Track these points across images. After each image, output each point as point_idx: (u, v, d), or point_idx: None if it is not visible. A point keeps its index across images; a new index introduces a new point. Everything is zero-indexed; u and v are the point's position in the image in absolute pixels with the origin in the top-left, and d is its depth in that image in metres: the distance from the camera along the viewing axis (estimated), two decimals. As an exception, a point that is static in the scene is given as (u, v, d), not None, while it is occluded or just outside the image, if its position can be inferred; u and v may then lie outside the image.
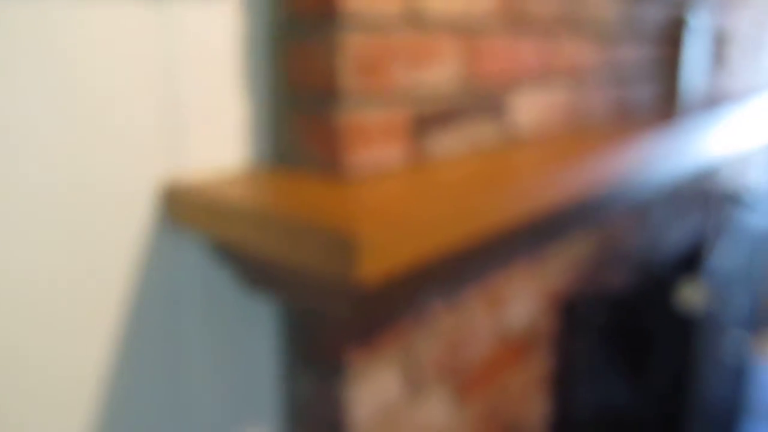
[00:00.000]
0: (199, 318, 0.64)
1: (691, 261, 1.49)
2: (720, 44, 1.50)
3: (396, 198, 0.54)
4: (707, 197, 1.64)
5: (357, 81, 0.60)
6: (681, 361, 1.18)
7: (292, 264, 0.49)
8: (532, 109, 0.85)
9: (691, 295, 1.04)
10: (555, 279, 0.97)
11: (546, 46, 0.86)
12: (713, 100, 1.43)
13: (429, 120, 0.69)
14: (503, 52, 0.78)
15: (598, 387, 1.15)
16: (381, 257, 0.46)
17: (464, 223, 0.57)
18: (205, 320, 0.64)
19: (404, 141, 0.66)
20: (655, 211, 1.31)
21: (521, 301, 0.90)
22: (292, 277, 0.56)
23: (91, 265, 0.55)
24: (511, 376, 0.92)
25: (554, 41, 0.88)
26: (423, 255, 0.52)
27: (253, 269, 0.60)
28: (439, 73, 0.69)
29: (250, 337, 0.69)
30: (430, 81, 0.68)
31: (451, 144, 0.73)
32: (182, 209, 0.58)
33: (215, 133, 0.62)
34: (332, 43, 0.59)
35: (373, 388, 0.69)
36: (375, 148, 0.63)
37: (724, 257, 1.27)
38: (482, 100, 0.76)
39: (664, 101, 1.27)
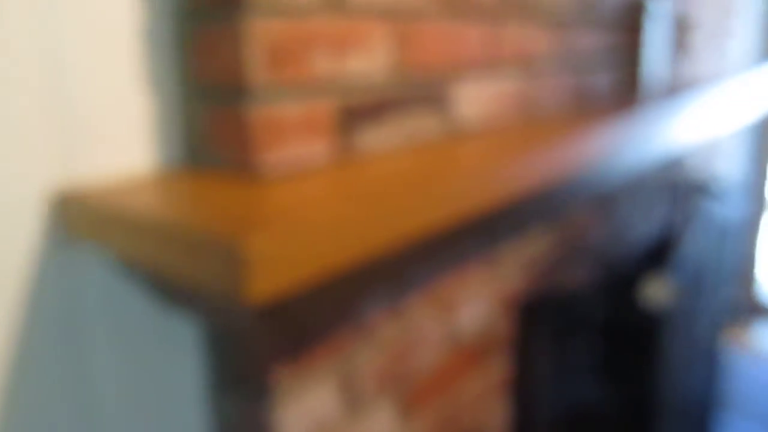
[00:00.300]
0: (106, 340, 0.57)
1: (658, 254, 1.45)
2: (682, 30, 1.46)
3: (310, 200, 0.49)
4: (674, 188, 1.60)
5: (269, 71, 0.54)
6: (650, 358, 1.14)
7: (187, 280, 0.43)
8: (477, 99, 0.80)
9: (657, 292, 0.99)
10: (511, 279, 0.92)
11: (492, 32, 0.81)
12: (675, 88, 1.39)
13: (358, 113, 0.63)
14: (443, 39, 0.72)
15: (564, 388, 1.11)
16: (280, 270, 0.41)
17: (390, 225, 0.51)
18: (113, 342, 0.58)
19: (329, 136, 0.61)
20: (619, 204, 1.26)
21: (474, 304, 0.85)
22: (195, 294, 0.51)
23: (-34, 286, 0.49)
24: (465, 383, 0.87)
25: (501, 27, 0.82)
26: (340, 263, 0.47)
27: (157, 286, 0.54)
28: (368, 61, 0.64)
29: (169, 359, 0.63)
30: (358, 70, 0.63)
31: (384, 139, 0.67)
32: (78, 220, 0.51)
33: (116, 133, 0.56)
34: (239, 30, 0.53)
35: (306, 407, 0.63)
36: (294, 144, 0.57)
37: (692, 249, 1.24)
38: (420, 91, 0.71)
39: (624, 89, 1.22)
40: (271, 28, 0.54)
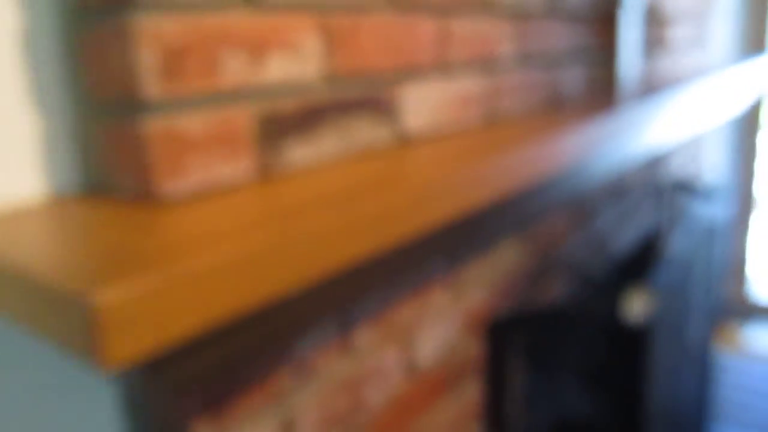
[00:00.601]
0: (8, 397, 0.49)
1: (642, 260, 1.38)
2: (660, 23, 1.39)
3: (211, 232, 0.41)
4: (658, 190, 1.53)
5: (167, 79, 0.46)
6: (637, 368, 1.07)
7: (48, 337, 0.35)
8: (430, 102, 0.72)
9: (638, 305, 0.92)
10: (478, 296, 0.84)
11: (446, 27, 0.73)
12: (653, 85, 1.33)
13: (285, 123, 0.56)
14: (387, 35, 0.65)
15: (545, 405, 1.03)
16: (150, 324, 0.33)
17: (313, 254, 0.43)
18: (17, 399, 0.50)
19: (248, 151, 0.53)
20: (597, 210, 1.19)
21: (436, 327, 0.77)
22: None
23: None
24: (432, 415, 0.79)
25: (457, 21, 0.75)
26: (243, 304, 0.39)
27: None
28: (296, 63, 0.56)
29: (83, 414, 0.55)
30: (282, 74, 0.55)
31: (320, 151, 0.60)
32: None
33: (-6, 155, 0.48)
34: (128, 31, 0.45)
35: (237, 460, 0.55)
36: (203, 163, 0.50)
37: (678, 253, 1.16)
38: (361, 95, 0.63)
39: (600, 86, 1.15)
40: (167, 27, 0.46)
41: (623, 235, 1.34)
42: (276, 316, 0.50)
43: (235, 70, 0.51)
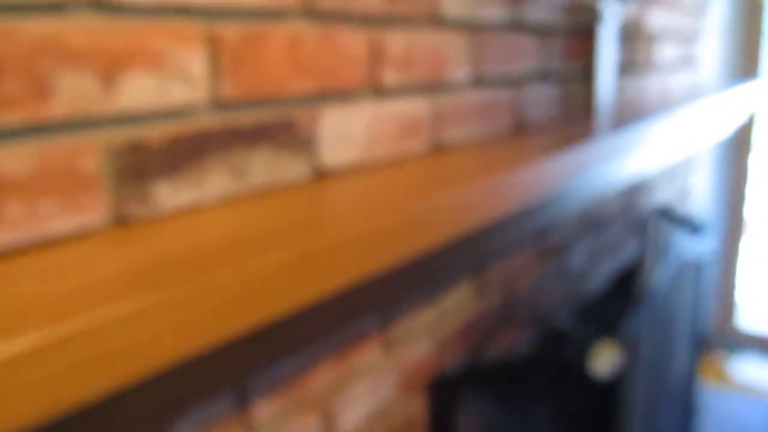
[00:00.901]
0: None
1: (617, 302, 1.27)
2: (647, 40, 1.29)
3: (29, 301, 0.30)
4: (640, 221, 1.43)
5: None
6: (607, 423, 0.96)
7: None
8: (358, 129, 0.61)
9: (606, 359, 0.81)
10: (420, 350, 0.73)
11: (380, 40, 0.62)
12: (636, 106, 1.22)
13: (150, 159, 0.45)
14: (301, 51, 0.54)
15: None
16: None
17: (177, 325, 0.33)
18: None
19: (95, 195, 0.42)
20: (570, 246, 1.08)
21: (364, 389, 0.66)
22: None
23: None
24: (360, 490, 0.68)
25: (394, 34, 0.64)
26: (84, 393, 0.28)
27: None
28: (168, 85, 0.45)
29: None
30: (147, 99, 0.44)
31: (202, 192, 0.49)
32: None
33: None
34: None
35: None
36: (29, 211, 0.39)
37: (658, 291, 1.06)
38: (261, 123, 0.52)
39: (574, 109, 1.04)
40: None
41: (599, 272, 1.24)
42: (136, 401, 0.38)
43: (76, 93, 0.40)
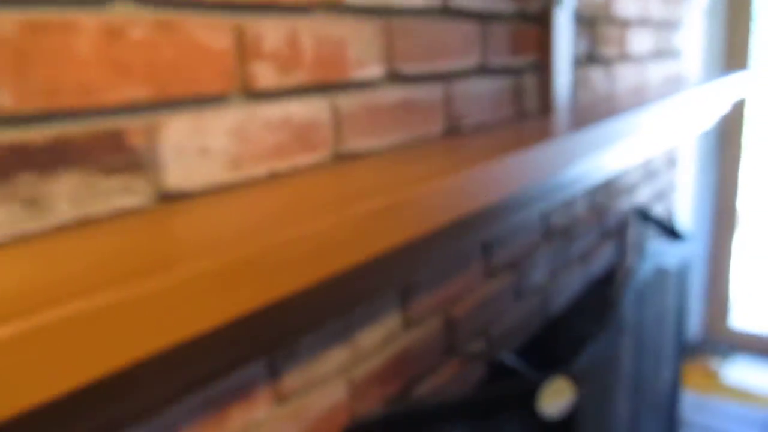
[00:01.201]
0: None
1: (588, 317, 1.16)
2: (619, 26, 1.17)
3: None
4: (617, 228, 1.31)
5: None
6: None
7: None
8: (217, 143, 0.50)
9: (556, 400, 0.70)
10: (327, 397, 0.62)
11: (253, 31, 0.51)
12: (597, 103, 1.11)
13: None
14: (130, 44, 0.43)
15: None
16: None
17: None
18: None
19: None
20: (531, 261, 0.96)
21: (254, 454, 0.55)
22: None
23: None
24: None
25: (270, 23, 0.52)
26: None
27: None
28: None
29: None
30: None
31: (7, 219, 0.37)
32: None
33: None
34: None
35: None
36: None
37: (627, 309, 0.94)
38: (66, 139, 0.41)
39: (527, 106, 0.93)
40: None
41: (567, 284, 1.12)
42: None
43: None
